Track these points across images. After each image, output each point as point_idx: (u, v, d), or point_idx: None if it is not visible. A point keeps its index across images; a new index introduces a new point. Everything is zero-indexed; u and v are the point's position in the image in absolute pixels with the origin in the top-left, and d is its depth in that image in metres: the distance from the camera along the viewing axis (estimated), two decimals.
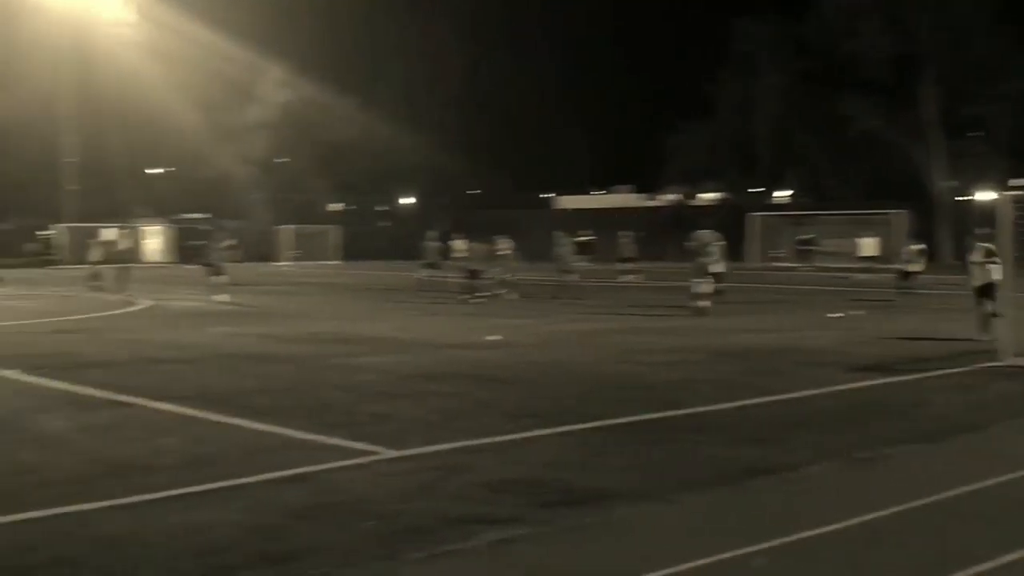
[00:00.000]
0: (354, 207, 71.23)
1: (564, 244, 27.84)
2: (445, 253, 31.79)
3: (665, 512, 6.52)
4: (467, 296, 24.51)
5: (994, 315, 14.76)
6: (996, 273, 14.76)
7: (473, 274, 25.50)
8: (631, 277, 33.89)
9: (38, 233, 53.11)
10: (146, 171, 62.63)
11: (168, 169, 63.13)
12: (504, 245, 26.55)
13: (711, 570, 5.40)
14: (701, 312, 20.26)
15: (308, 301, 26.26)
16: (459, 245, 30.36)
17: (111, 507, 6.52)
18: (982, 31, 51.57)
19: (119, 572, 5.36)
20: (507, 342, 15.91)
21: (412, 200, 71.16)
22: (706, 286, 21.02)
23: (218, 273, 25.83)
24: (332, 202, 69.94)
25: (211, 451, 8.12)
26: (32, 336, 17.10)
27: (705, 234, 22.74)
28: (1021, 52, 51.30)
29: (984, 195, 54.89)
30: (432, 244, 31.04)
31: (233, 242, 34.14)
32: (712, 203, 65.35)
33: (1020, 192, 14.90)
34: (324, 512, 6.41)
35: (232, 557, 5.56)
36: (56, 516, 6.31)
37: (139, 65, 50.30)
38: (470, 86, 64.48)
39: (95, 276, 29.80)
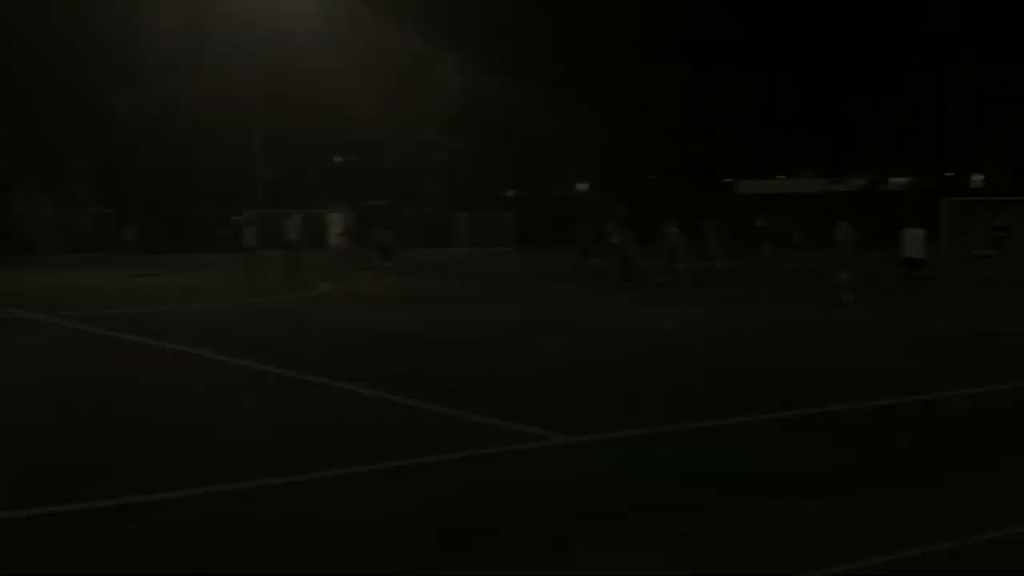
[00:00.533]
0: (524, 193, 71.77)
1: (711, 230, 27.35)
2: (602, 240, 31.75)
3: (849, 505, 6.26)
4: (624, 284, 24.18)
5: None
6: None
7: (627, 261, 25.13)
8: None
9: (233, 218, 55.88)
10: (333, 159, 64.92)
11: (350, 157, 65.23)
12: (670, 232, 25.99)
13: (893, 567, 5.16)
14: (845, 303, 19.39)
15: (483, 286, 26.63)
16: (613, 232, 30.05)
17: (305, 482, 6.79)
18: None
19: (313, 545, 5.57)
20: (686, 329, 15.66)
21: (587, 186, 71.07)
22: (846, 277, 20.13)
23: (387, 257, 26.73)
24: (506, 188, 70.68)
25: (395, 432, 8.33)
26: (226, 318, 18.02)
27: (844, 226, 21.78)
28: None
29: None
30: (585, 231, 31.73)
31: (341, 230, 35.05)
32: (902, 188, 62.58)
33: None
34: (503, 495, 6.49)
35: (416, 532, 5.69)
36: (261, 488, 6.62)
37: (322, 56, 52.12)
38: (649, 69, 63.74)
39: (251, 263, 30.88)
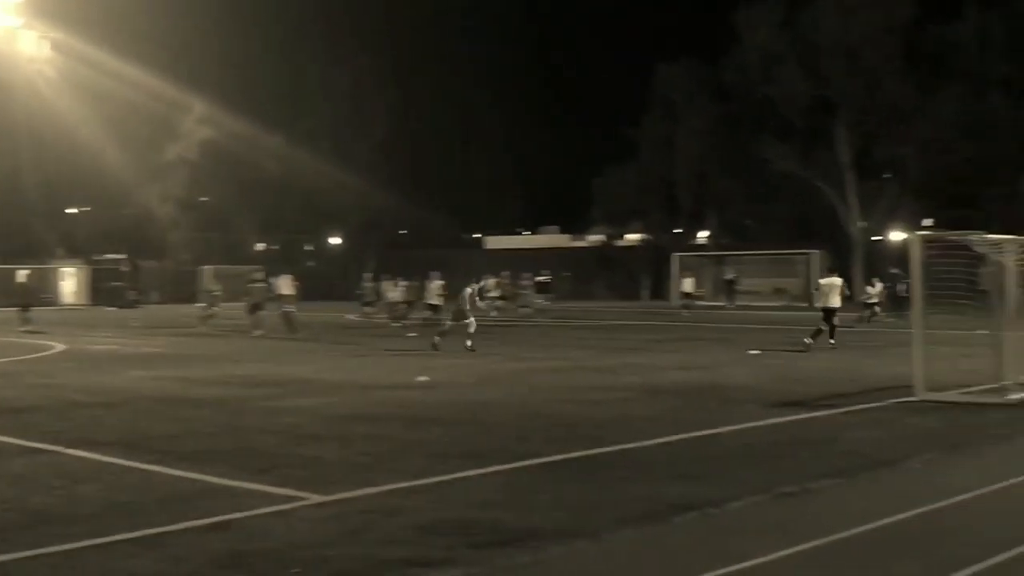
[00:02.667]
0: (278, 247, 70.54)
1: (471, 286, 27.80)
2: (378, 292, 32.29)
3: (594, 550, 6.55)
4: (403, 330, 24.52)
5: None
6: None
7: (397, 311, 25.82)
8: (526, 310, 34.26)
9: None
10: (65, 211, 61.30)
11: (84, 209, 61.87)
12: (435, 284, 26.83)
13: None
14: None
15: (230, 343, 25.87)
16: (389, 285, 30.95)
17: (28, 558, 6.33)
18: (892, 77, 53.47)
19: None
20: (437, 382, 15.88)
21: (339, 240, 70.70)
22: None
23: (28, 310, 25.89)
24: (257, 242, 69.16)
25: (131, 499, 7.94)
26: None
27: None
28: (927, 97, 53.28)
29: (896, 235, 56.59)
30: (368, 284, 32.18)
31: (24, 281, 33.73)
32: (636, 243, 66.34)
33: (930, 232, 15.47)
34: (248, 560, 6.30)
35: None
36: None
37: (57, 102, 49.40)
38: (397, 127, 64.59)
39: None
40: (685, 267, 47.04)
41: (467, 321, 21.76)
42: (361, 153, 62.85)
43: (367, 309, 31.44)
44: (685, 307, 40.47)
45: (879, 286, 32.12)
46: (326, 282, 55.95)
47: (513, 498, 7.91)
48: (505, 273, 33.81)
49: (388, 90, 64.40)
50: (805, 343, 21.40)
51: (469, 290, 22.56)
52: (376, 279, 33.45)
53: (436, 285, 27.66)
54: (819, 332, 21.64)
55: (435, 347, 21.26)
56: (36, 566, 6.18)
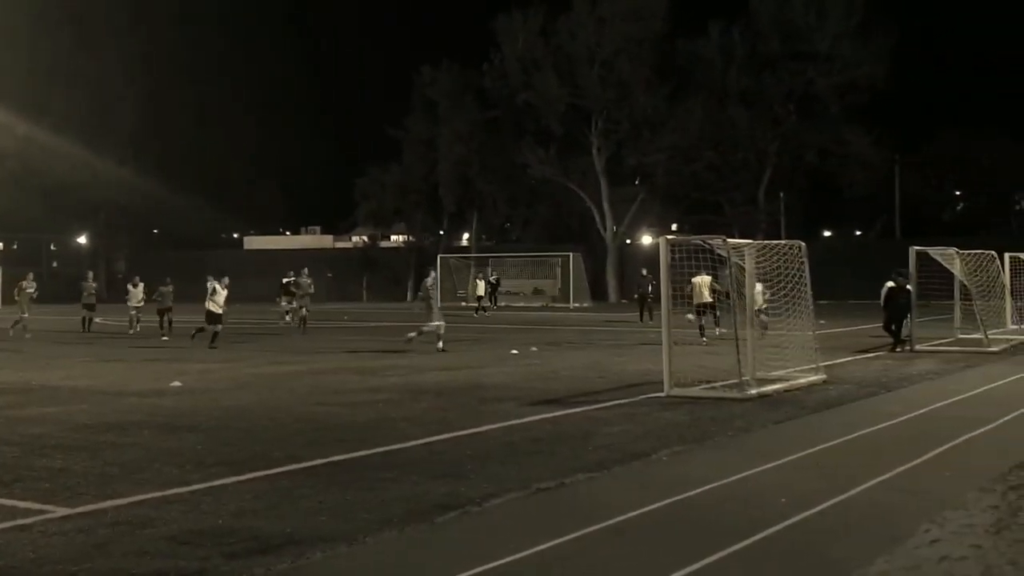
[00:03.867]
0: (16, 246, 65.84)
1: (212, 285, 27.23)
2: (122, 296, 30.83)
3: (356, 553, 6.54)
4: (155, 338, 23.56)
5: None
6: None
7: (162, 313, 25.20)
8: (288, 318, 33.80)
9: None
10: None
11: None
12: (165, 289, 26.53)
13: None
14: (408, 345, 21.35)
15: None
16: (135, 289, 29.63)
17: None
18: (642, 88, 56.27)
19: None
20: (193, 387, 15.32)
21: (84, 240, 66.79)
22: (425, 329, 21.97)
23: None
24: None
25: None
26: None
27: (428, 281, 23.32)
28: (675, 107, 56.50)
29: (646, 238, 59.68)
30: (90, 285, 30.56)
31: None
32: (401, 244, 66.52)
33: (675, 236, 16.45)
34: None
35: None
36: None
37: None
38: (149, 121, 61.70)
39: None
40: (475, 270, 47.86)
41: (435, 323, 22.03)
42: (109, 148, 59.64)
43: (87, 313, 29.90)
44: (481, 309, 40.76)
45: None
46: (71, 284, 52.60)
47: (271, 505, 7.77)
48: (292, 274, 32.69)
49: (138, 81, 61.48)
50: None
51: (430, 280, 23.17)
52: (95, 280, 32.11)
53: (166, 290, 27.29)
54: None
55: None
56: None
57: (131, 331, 28.26)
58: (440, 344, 21.80)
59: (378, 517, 7.34)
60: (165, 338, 25.85)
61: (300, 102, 69.86)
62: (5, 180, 55.10)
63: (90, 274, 33.12)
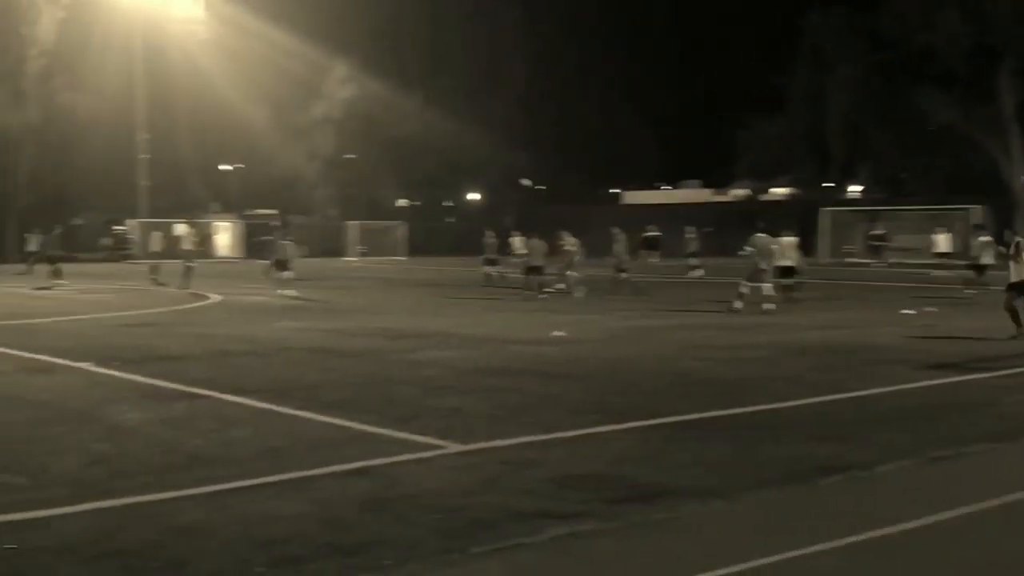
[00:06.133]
0: (419, 203, 71.61)
1: (619, 240, 27.30)
2: (504, 249, 31.80)
3: (733, 510, 6.44)
4: (531, 293, 24.45)
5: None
6: None
7: (532, 271, 25.34)
8: (697, 273, 33.56)
9: (113, 228, 54.37)
10: (218, 167, 63.64)
11: (237, 166, 64.10)
12: (567, 241, 26.27)
13: (777, 569, 5.33)
14: (733, 312, 19.84)
15: (374, 296, 26.49)
16: (517, 242, 30.15)
17: (184, 497, 6.64)
18: None
19: (192, 559, 5.45)
20: (572, 338, 15.87)
21: (478, 196, 71.30)
22: (747, 289, 20.50)
23: (284, 268, 25.82)
24: (399, 198, 70.41)
25: (280, 443, 8.22)
26: (105, 329, 17.50)
27: (760, 238, 21.34)
28: None
29: None
30: (491, 241, 30.99)
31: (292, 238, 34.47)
32: (783, 198, 64.58)
33: None
34: (389, 505, 6.45)
35: (299, 548, 5.63)
36: (132, 505, 6.44)
37: (209, 62, 51.14)
38: (534, 82, 64.41)
39: (154, 270, 30.44)
40: (939, 224, 43.18)
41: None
42: (498, 108, 63.00)
43: (488, 269, 30.39)
44: (938, 267, 36.08)
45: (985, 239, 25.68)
46: (463, 238, 56.37)
47: (648, 455, 7.84)
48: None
49: (526, 43, 64.22)
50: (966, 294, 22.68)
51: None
52: (501, 235, 32.36)
53: (537, 243, 26.54)
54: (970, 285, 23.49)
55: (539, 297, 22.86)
56: (190, 505, 6.47)
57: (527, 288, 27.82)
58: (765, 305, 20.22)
59: (756, 475, 7.18)
60: (545, 295, 25.67)
61: (678, 52, 69.56)
62: (407, 143, 59.95)
63: (489, 232, 33.61)
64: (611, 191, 77.28)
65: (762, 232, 21.15)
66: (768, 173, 64.51)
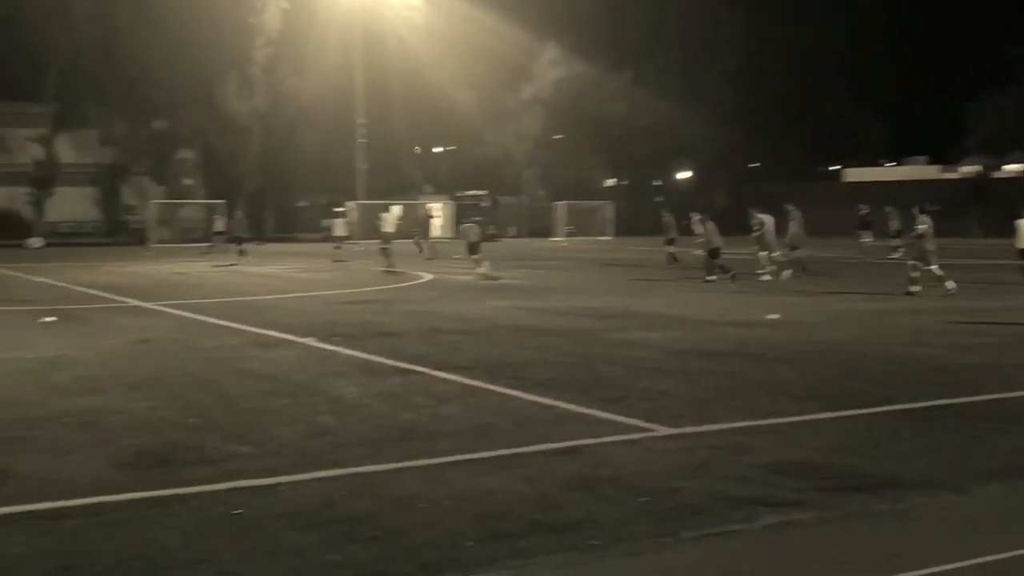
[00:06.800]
0: (627, 182, 71.24)
1: (795, 219, 25.94)
2: (684, 231, 30.93)
3: (959, 503, 6.07)
4: (711, 277, 23.47)
5: None
6: None
7: (712, 253, 24.25)
8: (898, 253, 31.67)
9: (334, 210, 56.92)
10: (431, 150, 65.49)
11: (449, 148, 65.70)
12: (756, 220, 25.01)
13: (1008, 566, 4.97)
14: (910, 295, 18.90)
15: (582, 276, 26.60)
16: (696, 225, 28.96)
17: (400, 468, 6.86)
18: None
19: (407, 530, 5.62)
20: (785, 321, 15.39)
21: (688, 174, 70.16)
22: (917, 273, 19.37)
23: (475, 251, 26.26)
24: (607, 178, 70.32)
25: (489, 420, 8.37)
26: (325, 307, 18.36)
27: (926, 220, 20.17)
28: None
29: None
30: (670, 221, 30.55)
31: (479, 218, 34.92)
32: (1018, 175, 60.30)
33: None
34: (597, 486, 6.44)
35: (509, 524, 5.70)
36: (352, 475, 6.71)
37: (422, 47, 52.57)
38: (748, 58, 62.67)
39: (386, 251, 31.57)
40: None
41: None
42: (711, 86, 61.75)
43: (669, 249, 29.85)
44: None
45: None
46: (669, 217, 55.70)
47: (868, 444, 7.49)
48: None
49: (741, 17, 62.55)
50: None
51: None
52: (678, 215, 31.72)
53: (712, 225, 25.29)
54: None
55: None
56: (406, 477, 6.68)
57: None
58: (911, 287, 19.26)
59: (986, 468, 6.74)
60: (766, 277, 24.90)
61: (903, 26, 65.95)
62: (615, 123, 59.65)
63: (666, 212, 32.99)
64: (831, 168, 74.22)
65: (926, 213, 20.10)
66: (1001, 149, 60.35)
